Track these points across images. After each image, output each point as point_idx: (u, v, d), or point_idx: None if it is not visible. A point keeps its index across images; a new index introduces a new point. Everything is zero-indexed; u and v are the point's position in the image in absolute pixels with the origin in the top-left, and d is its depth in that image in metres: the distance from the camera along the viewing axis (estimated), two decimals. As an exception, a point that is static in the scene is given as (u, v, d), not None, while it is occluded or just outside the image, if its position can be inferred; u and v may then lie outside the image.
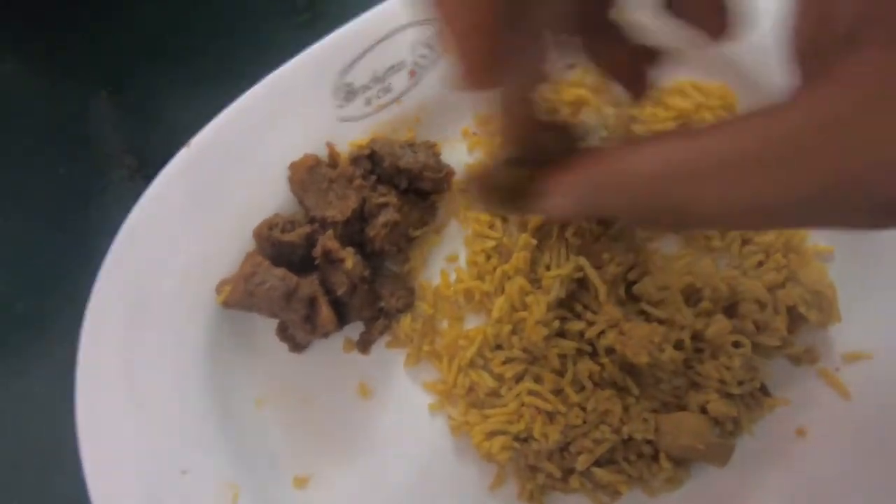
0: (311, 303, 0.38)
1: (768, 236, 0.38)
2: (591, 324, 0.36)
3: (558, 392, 0.36)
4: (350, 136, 0.41)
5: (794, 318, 0.37)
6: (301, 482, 0.38)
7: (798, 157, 0.17)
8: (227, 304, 0.38)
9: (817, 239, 0.39)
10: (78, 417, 0.36)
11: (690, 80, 0.40)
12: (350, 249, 0.38)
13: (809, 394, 0.36)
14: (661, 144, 0.21)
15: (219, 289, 0.39)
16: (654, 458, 0.36)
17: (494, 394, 0.38)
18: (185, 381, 0.38)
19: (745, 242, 0.39)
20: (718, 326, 0.35)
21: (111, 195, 0.47)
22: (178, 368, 0.38)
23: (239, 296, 0.37)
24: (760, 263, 0.38)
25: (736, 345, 0.36)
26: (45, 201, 0.47)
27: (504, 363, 0.37)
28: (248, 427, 0.38)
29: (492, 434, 0.37)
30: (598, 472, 0.35)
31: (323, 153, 0.40)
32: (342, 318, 0.39)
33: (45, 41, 0.50)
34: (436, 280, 0.41)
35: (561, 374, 0.37)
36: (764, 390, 0.37)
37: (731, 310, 0.37)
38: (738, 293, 0.36)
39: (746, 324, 0.36)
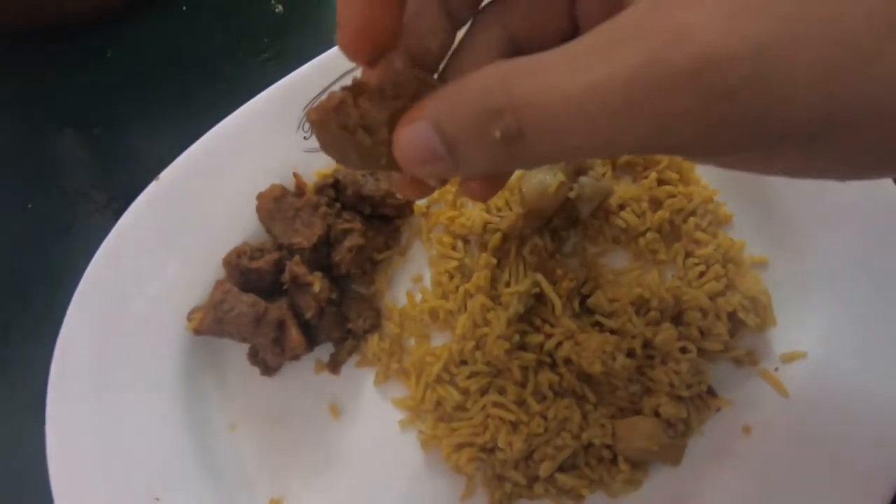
0: (280, 326, 0.39)
1: (708, 249, 0.41)
2: (549, 336, 0.39)
3: (521, 403, 0.38)
4: (315, 166, 0.43)
5: (735, 324, 0.40)
6: (275, 504, 0.39)
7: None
8: (197, 332, 0.39)
9: (753, 249, 0.42)
10: (48, 447, 0.37)
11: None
12: (317, 274, 0.40)
13: (752, 393, 0.39)
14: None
15: (190, 317, 0.40)
16: (613, 461, 0.38)
17: (461, 407, 0.39)
18: (157, 409, 0.38)
19: (687, 255, 0.41)
20: (666, 334, 0.38)
21: (79, 230, 0.47)
22: (151, 396, 0.39)
23: (209, 323, 0.39)
24: (702, 274, 0.41)
25: (683, 350, 0.38)
26: (12, 236, 0.48)
27: (469, 377, 0.39)
28: (221, 451, 0.39)
29: (459, 446, 0.38)
30: (561, 477, 0.37)
31: (289, 183, 0.42)
32: (312, 341, 0.40)
33: (12, 78, 0.51)
34: (402, 300, 0.42)
35: (523, 385, 0.38)
36: (711, 392, 0.39)
37: (677, 318, 0.39)
38: (682, 302, 0.39)
39: (691, 330, 0.39)
